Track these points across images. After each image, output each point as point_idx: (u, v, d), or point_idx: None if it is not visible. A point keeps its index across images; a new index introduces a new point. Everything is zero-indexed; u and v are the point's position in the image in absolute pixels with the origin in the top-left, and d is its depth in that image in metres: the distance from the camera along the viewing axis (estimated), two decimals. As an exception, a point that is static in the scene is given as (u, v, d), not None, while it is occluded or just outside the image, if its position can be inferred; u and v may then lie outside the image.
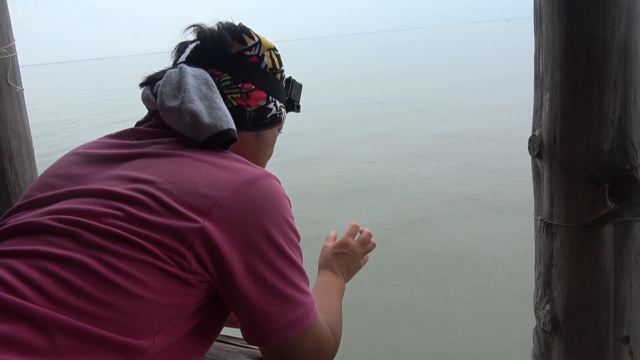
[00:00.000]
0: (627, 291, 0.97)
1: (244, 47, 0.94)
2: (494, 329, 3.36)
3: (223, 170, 0.78)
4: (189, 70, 0.87)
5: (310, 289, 0.85)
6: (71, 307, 0.64)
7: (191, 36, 0.97)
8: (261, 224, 0.76)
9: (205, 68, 0.90)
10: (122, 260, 0.68)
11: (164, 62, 1.00)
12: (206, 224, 0.72)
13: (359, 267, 1.23)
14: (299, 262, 0.81)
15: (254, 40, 0.95)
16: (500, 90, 13.79)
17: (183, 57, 0.94)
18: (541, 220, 1.02)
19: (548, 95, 0.96)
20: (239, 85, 0.93)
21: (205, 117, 0.83)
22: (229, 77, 0.92)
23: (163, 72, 0.93)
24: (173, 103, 0.83)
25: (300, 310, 0.79)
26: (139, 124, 0.95)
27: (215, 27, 0.94)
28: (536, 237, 1.06)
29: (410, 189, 6.39)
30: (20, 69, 1.80)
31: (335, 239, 1.25)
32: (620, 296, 0.97)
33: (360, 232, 1.24)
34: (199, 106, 0.83)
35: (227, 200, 0.74)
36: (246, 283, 0.75)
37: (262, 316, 0.76)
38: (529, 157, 1.07)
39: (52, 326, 0.62)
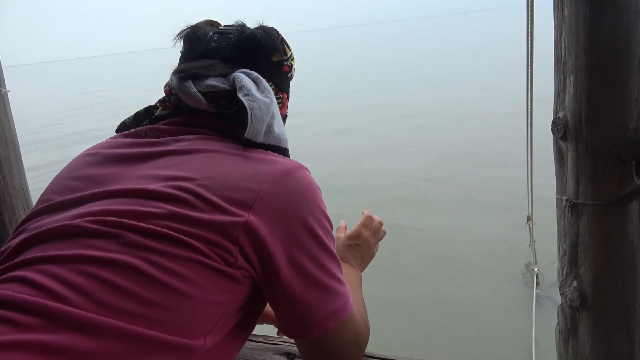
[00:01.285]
0: (653, 264, 1.01)
1: (284, 57, 0.94)
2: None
3: (259, 163, 0.77)
4: (252, 82, 0.85)
5: None
6: (121, 310, 0.62)
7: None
8: (300, 215, 0.75)
9: (249, 69, 0.88)
10: (169, 259, 0.66)
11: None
12: (250, 217, 0.71)
13: (372, 256, 1.24)
14: (335, 252, 0.81)
15: (290, 50, 0.95)
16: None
17: (214, 48, 0.89)
18: (566, 199, 1.05)
19: (572, 78, 0.99)
20: (280, 95, 0.94)
21: (275, 128, 0.84)
22: (274, 87, 0.92)
23: (202, 67, 0.88)
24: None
25: (339, 301, 0.79)
26: (152, 121, 0.91)
27: (264, 32, 0.91)
28: (559, 216, 1.09)
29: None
30: (3, 70, 1.71)
31: (346, 229, 1.25)
32: (647, 269, 1.01)
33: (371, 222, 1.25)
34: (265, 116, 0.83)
35: (267, 193, 0.73)
36: (290, 275, 0.74)
37: (305, 308, 0.76)
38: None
39: (104, 331, 0.60)
